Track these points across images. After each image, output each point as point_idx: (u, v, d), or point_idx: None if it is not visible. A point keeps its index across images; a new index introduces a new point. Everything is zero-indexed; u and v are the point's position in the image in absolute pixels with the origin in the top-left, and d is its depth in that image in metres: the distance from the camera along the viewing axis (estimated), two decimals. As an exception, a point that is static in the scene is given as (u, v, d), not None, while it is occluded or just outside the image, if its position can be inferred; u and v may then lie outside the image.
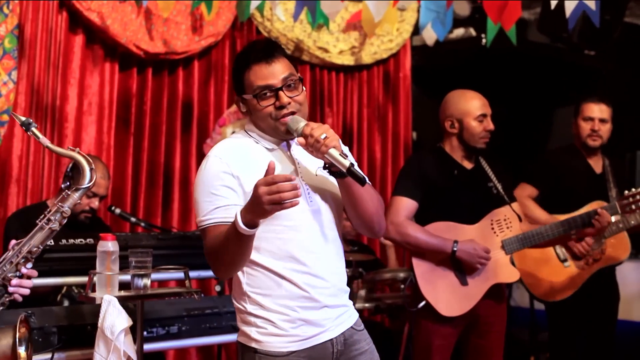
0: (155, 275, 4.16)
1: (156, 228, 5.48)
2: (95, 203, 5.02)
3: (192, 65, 6.46)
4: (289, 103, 2.98)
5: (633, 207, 4.89)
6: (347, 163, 2.87)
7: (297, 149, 3.07)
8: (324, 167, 2.98)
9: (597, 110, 5.45)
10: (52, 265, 4.21)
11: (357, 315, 3.21)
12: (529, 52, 7.80)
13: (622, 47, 8.07)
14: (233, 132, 5.80)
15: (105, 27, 5.81)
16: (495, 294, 4.57)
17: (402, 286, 5.89)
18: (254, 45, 3.12)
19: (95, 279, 3.72)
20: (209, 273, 4.91)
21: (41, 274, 4.17)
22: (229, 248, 2.85)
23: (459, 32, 7.68)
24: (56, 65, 5.75)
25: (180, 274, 4.17)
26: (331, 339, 3.05)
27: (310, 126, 2.92)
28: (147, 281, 3.80)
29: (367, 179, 2.95)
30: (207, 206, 2.95)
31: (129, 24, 5.94)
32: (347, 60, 7.26)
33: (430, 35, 6.92)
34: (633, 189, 4.95)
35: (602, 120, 5.44)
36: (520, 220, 4.69)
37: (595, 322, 5.47)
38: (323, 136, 2.88)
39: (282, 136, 3.05)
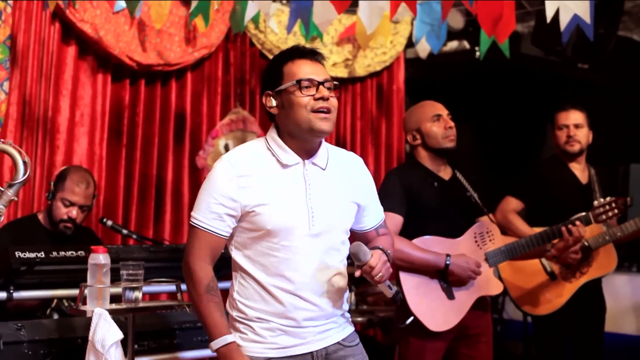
0: (147, 288, 4.14)
1: (148, 240, 5.45)
2: (73, 212, 4.95)
3: (185, 77, 6.45)
4: (328, 99, 3.05)
5: (604, 217, 4.90)
6: (392, 292, 3.19)
7: (312, 170, 3.13)
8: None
9: (571, 118, 5.47)
10: (43, 278, 4.19)
11: (350, 330, 3.25)
12: (523, 65, 7.81)
13: (616, 61, 8.08)
14: (226, 144, 5.76)
15: (98, 38, 5.80)
16: (480, 305, 4.57)
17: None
18: (299, 45, 3.19)
19: (86, 291, 3.68)
20: (201, 286, 4.89)
21: (31, 287, 4.18)
22: (200, 317, 3.13)
23: (453, 44, 7.67)
24: (48, 76, 5.73)
25: (172, 287, 4.14)
26: (311, 352, 3.10)
27: (375, 260, 3.06)
28: (138, 294, 3.76)
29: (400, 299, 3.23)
30: (206, 208, 3.05)
31: (122, 35, 5.93)
32: (341, 72, 7.25)
33: (423, 48, 6.93)
34: (602, 199, 4.96)
35: (576, 126, 5.45)
36: (501, 231, 4.73)
37: (582, 334, 5.46)
38: (379, 275, 3.06)
39: (308, 134, 3.06)
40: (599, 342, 5.51)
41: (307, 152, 3.12)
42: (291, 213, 3.04)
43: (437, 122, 4.58)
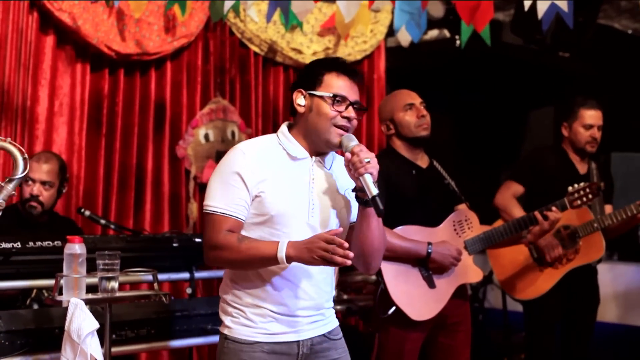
0: (124, 278, 4.14)
1: (127, 230, 5.44)
2: (34, 189, 4.94)
3: (164, 66, 6.41)
4: (352, 120, 3.24)
5: (579, 202, 4.92)
6: (374, 191, 3.07)
7: (317, 167, 3.29)
8: (353, 190, 3.22)
9: (597, 118, 5.49)
10: (19, 268, 4.18)
11: (335, 324, 3.39)
12: (504, 54, 7.80)
13: (597, 49, 8.09)
14: (206, 134, 5.74)
15: (77, 27, 5.77)
16: (459, 294, 4.60)
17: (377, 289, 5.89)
18: (343, 60, 3.37)
19: (62, 281, 3.68)
20: (180, 275, 4.90)
21: (8, 277, 4.17)
22: (251, 261, 3.12)
23: (433, 33, 7.67)
24: (27, 66, 5.69)
25: (148, 277, 4.14)
26: (298, 341, 3.24)
27: (360, 147, 3.15)
28: (114, 284, 3.76)
29: (383, 212, 3.12)
30: (221, 195, 3.16)
31: (101, 25, 5.90)
32: (321, 61, 7.22)
33: (404, 37, 6.92)
34: (576, 185, 4.98)
35: (599, 127, 5.48)
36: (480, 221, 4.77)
37: (574, 323, 5.51)
38: (367, 160, 3.09)
39: (323, 143, 3.25)
40: (588, 333, 5.56)
41: (315, 152, 3.30)
42: (293, 202, 3.19)
43: (409, 111, 4.59)
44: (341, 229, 3.16)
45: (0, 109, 5.52)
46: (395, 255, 4.41)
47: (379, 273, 4.48)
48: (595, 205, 5.36)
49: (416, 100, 4.62)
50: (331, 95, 3.21)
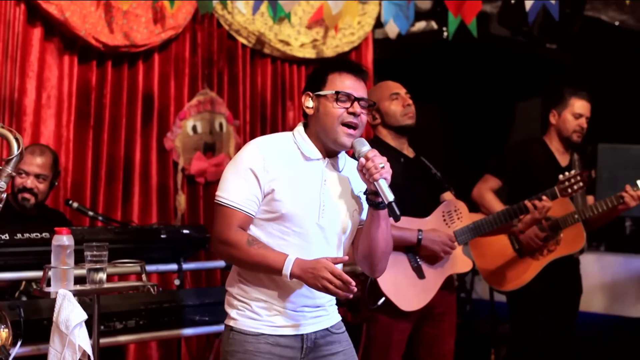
0: (112, 269, 4.15)
1: (115, 222, 5.45)
2: (28, 182, 4.94)
3: (152, 58, 6.40)
4: (359, 115, 3.27)
5: (569, 190, 4.94)
6: (391, 197, 3.17)
7: (330, 168, 3.35)
8: (365, 192, 3.28)
9: (587, 109, 5.51)
10: (8, 260, 4.18)
11: (338, 318, 3.45)
12: (491, 46, 7.82)
13: (585, 41, 8.11)
14: (194, 126, 5.74)
15: (64, 19, 5.75)
16: (447, 284, 4.63)
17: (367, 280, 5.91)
18: (348, 59, 3.39)
19: (50, 273, 3.69)
20: (168, 267, 4.92)
21: (-4, 269, 4.17)
22: (256, 267, 3.20)
23: (421, 25, 7.67)
24: (14, 59, 5.67)
25: (136, 268, 4.15)
26: (302, 334, 3.30)
27: (374, 152, 3.22)
28: (102, 275, 3.77)
29: (400, 218, 3.21)
30: (234, 188, 3.22)
31: (88, 17, 5.88)
32: (309, 53, 7.23)
33: (392, 29, 6.93)
34: (567, 173, 5.00)
35: (587, 119, 5.51)
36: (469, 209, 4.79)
37: (557, 314, 5.54)
38: (381, 165, 3.17)
39: (332, 143, 3.30)
40: (571, 323, 5.59)
41: (328, 153, 3.35)
42: (304, 202, 3.24)
43: (395, 100, 4.63)
44: (347, 257, 3.22)
45: (-12, 102, 5.53)
46: None
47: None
48: (577, 197, 5.38)
49: (401, 90, 4.67)
50: (334, 92, 3.25)
